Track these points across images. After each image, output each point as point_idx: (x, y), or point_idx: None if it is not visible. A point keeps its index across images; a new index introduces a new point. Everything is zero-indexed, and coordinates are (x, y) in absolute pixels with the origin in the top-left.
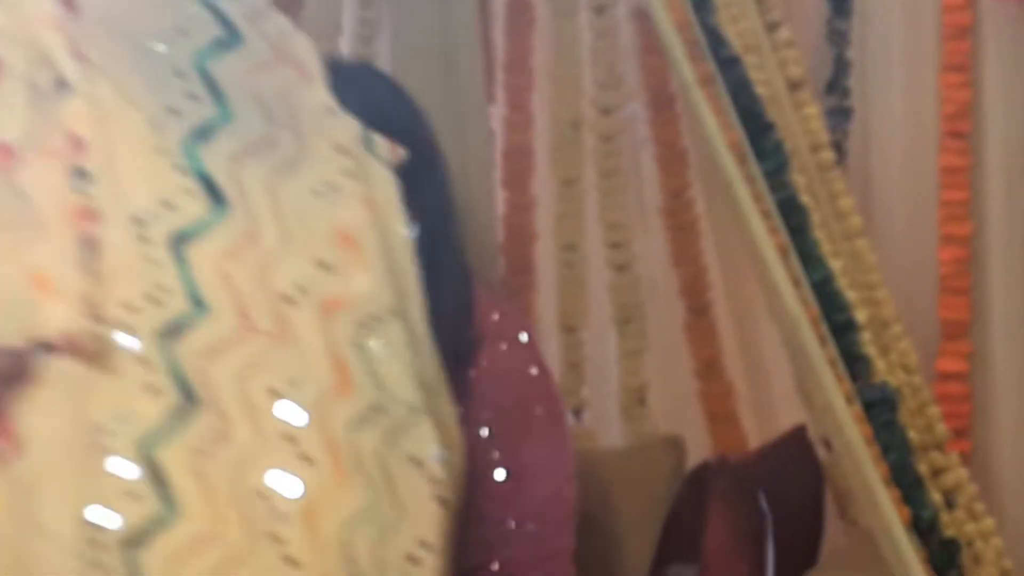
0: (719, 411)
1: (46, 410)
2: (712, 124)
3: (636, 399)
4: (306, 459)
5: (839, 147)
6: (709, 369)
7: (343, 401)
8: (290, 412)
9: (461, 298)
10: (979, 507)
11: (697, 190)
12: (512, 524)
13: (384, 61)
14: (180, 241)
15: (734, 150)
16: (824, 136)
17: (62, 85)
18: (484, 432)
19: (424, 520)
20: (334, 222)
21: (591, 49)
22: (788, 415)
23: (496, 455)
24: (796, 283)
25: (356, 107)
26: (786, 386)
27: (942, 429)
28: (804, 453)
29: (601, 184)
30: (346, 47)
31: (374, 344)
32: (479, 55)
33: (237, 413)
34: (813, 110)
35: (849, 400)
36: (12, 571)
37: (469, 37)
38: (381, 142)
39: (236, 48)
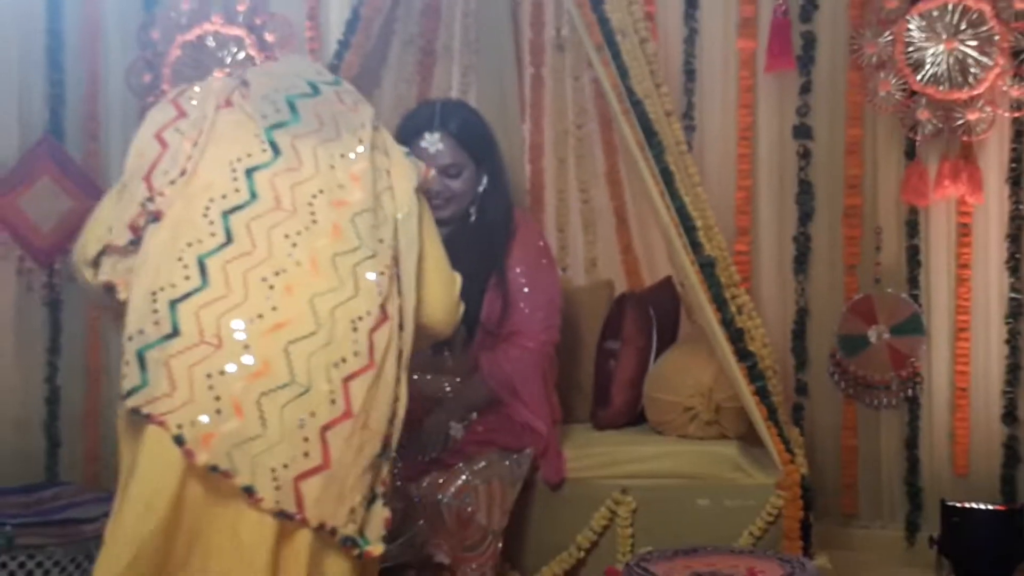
0: (631, 269)
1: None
2: (628, 133)
3: (592, 264)
4: (297, 263)
5: (689, 144)
6: (626, 253)
7: (333, 242)
8: (295, 248)
9: (507, 209)
10: (756, 315)
11: (622, 164)
12: (528, 311)
13: (473, 101)
14: (251, 170)
15: (638, 145)
16: (682, 137)
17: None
18: (518, 270)
19: (366, 302)
20: (349, 169)
21: (572, 96)
22: (665, 270)
23: (523, 280)
24: (667, 208)
25: (459, 120)
26: (665, 259)
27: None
28: (671, 289)
29: (576, 162)
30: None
31: (358, 221)
32: (516, 97)
33: (260, 245)
34: (677, 125)
35: (692, 263)
36: None
37: (512, 88)
38: (419, 163)
39: (314, 96)
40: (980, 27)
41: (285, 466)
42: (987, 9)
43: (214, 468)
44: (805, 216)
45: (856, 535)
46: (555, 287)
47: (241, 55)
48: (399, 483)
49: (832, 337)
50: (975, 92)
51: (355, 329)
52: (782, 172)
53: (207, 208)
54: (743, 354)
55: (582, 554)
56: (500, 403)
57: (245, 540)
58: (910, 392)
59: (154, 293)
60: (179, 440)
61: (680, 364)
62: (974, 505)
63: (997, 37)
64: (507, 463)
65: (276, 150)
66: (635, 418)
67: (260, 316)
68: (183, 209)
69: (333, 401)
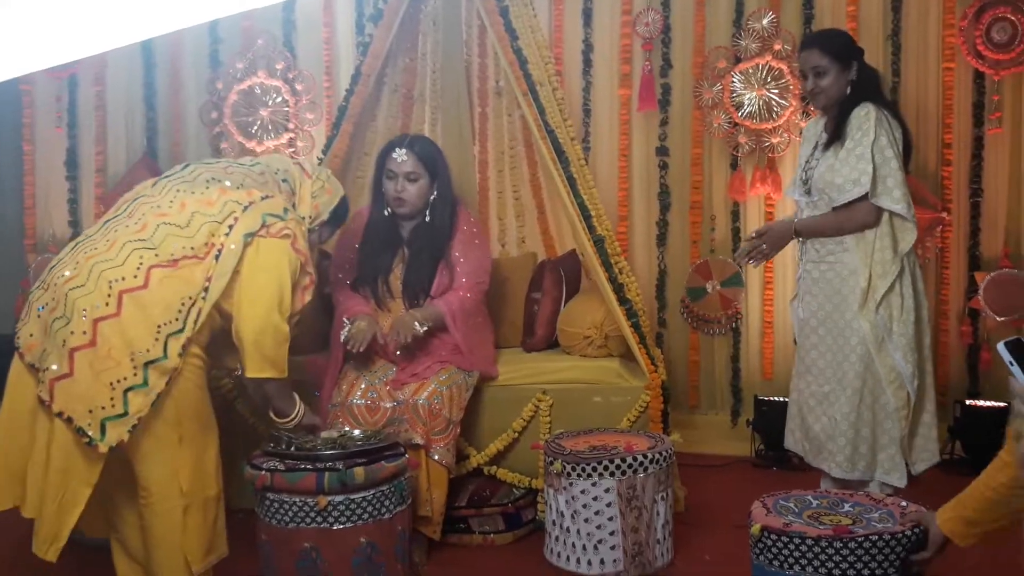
0: (548, 244)
1: None
2: (545, 152)
3: (522, 241)
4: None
5: (586, 159)
6: (545, 234)
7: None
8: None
9: (452, 214)
10: (631, 275)
11: (541, 174)
12: (461, 273)
13: (439, 130)
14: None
15: (550, 155)
16: (582, 155)
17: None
18: (457, 247)
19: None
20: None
21: (507, 127)
22: (570, 245)
23: (458, 254)
24: (572, 203)
25: (420, 145)
26: (571, 237)
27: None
28: (575, 258)
29: (510, 172)
30: (426, 127)
31: (161, 228)
32: (469, 127)
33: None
34: (578, 147)
35: (588, 240)
36: None
37: (466, 121)
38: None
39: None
40: (780, 80)
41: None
42: (785, 68)
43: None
44: (664, 208)
45: (698, 419)
46: (484, 258)
47: (279, 99)
48: (393, 391)
49: (682, 289)
50: (777, 123)
51: (110, 286)
52: (648, 179)
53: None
54: (622, 300)
55: (516, 435)
56: (447, 332)
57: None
58: (734, 325)
59: None
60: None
61: (581, 307)
62: (776, 398)
63: (791, 87)
64: (462, 376)
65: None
66: (551, 344)
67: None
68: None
69: (84, 332)
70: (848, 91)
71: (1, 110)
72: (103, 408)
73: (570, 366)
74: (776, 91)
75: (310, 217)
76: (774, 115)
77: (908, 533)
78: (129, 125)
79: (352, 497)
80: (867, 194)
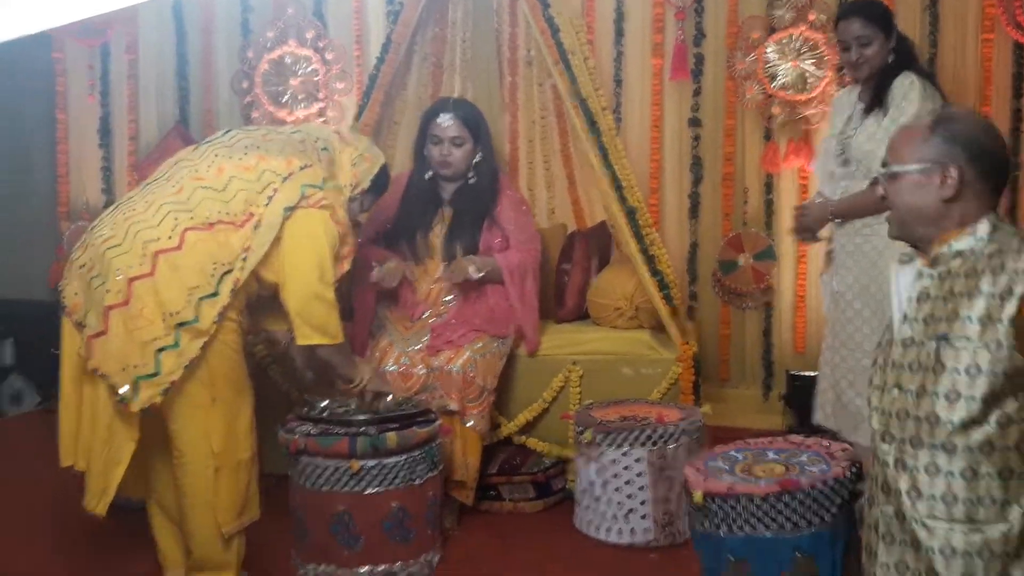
0: (579, 215)
1: None
2: (577, 122)
3: (552, 212)
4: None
5: (617, 130)
6: (575, 205)
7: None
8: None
9: (495, 175)
10: (662, 247)
11: (572, 144)
12: (525, 237)
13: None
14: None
15: (582, 125)
16: (613, 125)
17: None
18: (507, 218)
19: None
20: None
21: (537, 97)
22: (601, 216)
23: (511, 225)
24: (603, 173)
25: (464, 109)
26: (601, 208)
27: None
28: (605, 229)
29: (540, 143)
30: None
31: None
32: (499, 98)
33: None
34: (610, 117)
35: (620, 211)
36: None
37: (496, 92)
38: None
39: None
40: (815, 50)
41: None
42: (820, 38)
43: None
44: (696, 180)
45: (729, 393)
46: (532, 226)
47: (309, 69)
48: (427, 358)
49: (714, 261)
50: (812, 95)
51: (144, 247)
52: (681, 150)
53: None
54: (654, 272)
55: (547, 405)
56: (489, 293)
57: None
58: (766, 298)
59: None
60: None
61: (612, 279)
62: (807, 372)
63: (827, 57)
64: (496, 344)
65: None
66: (581, 315)
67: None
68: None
69: (119, 291)
70: (889, 60)
71: (34, 79)
72: (135, 367)
73: (600, 337)
74: (811, 62)
75: (350, 186)
76: (808, 86)
77: (849, 474)
78: (161, 94)
79: (384, 462)
80: None
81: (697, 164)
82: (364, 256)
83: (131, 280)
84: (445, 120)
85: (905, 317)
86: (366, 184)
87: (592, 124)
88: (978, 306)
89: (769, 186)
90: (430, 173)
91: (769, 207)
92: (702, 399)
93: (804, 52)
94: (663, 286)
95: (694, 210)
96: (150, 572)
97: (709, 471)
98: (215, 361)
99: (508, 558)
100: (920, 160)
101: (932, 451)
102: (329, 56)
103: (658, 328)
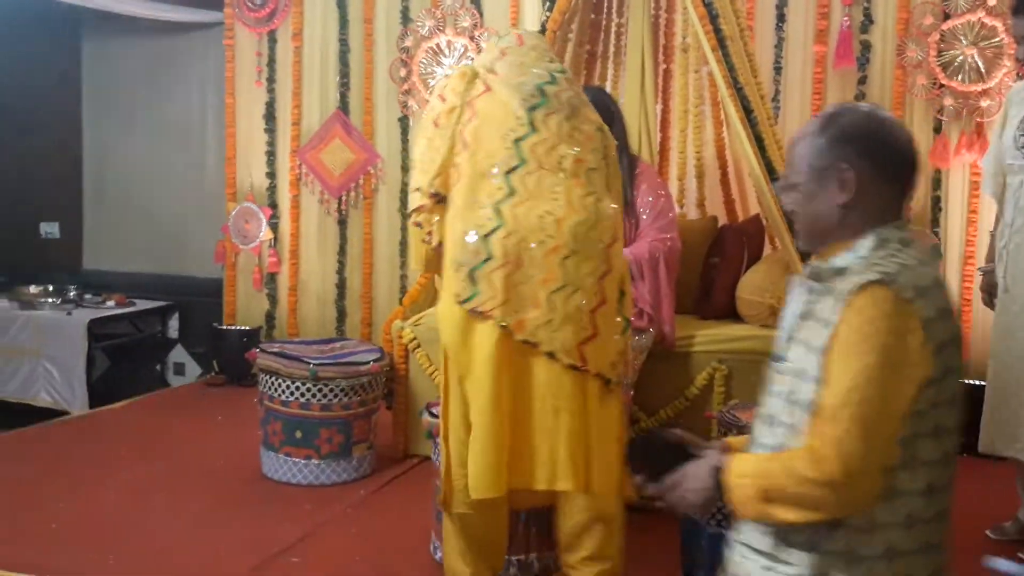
0: (730, 208)
1: None
2: (733, 110)
3: (701, 204)
4: (556, 202)
5: (776, 119)
6: (727, 197)
7: (578, 190)
8: (555, 192)
9: (631, 160)
10: None
11: (725, 134)
12: (661, 224)
13: (620, 89)
14: (518, 140)
15: (738, 114)
16: (772, 114)
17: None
18: (642, 201)
19: (608, 227)
20: (585, 134)
21: (692, 84)
22: (754, 209)
23: (647, 209)
24: (759, 164)
25: (593, 95)
26: (755, 201)
27: None
28: (758, 223)
29: (692, 132)
30: (608, 84)
31: (592, 175)
32: (652, 85)
33: (532, 192)
34: (768, 105)
35: (775, 204)
36: None
37: (650, 79)
38: (607, 131)
39: (553, 84)
40: (993, 38)
41: (570, 337)
42: (999, 25)
43: (526, 342)
44: None
45: None
46: (669, 210)
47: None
48: None
49: None
50: (988, 86)
51: (600, 245)
52: None
53: (493, 170)
54: None
55: (688, 403)
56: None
57: (542, 381)
58: None
59: (466, 233)
60: (503, 326)
61: (764, 275)
62: (975, 381)
63: (1006, 46)
64: (637, 338)
65: (533, 126)
66: (729, 312)
67: (541, 242)
68: (473, 172)
69: (596, 294)
70: None
71: (206, 64)
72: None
73: (749, 335)
74: (988, 51)
75: None
76: (984, 76)
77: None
78: (323, 80)
79: None
80: None
81: None
82: None
83: (600, 279)
84: None
85: (789, 336)
86: None
87: (749, 112)
88: (808, 330)
89: (937, 182)
90: None
91: (936, 203)
92: None
93: (980, 40)
94: None
95: None
96: None
97: None
98: None
99: (645, 557)
100: (811, 166)
101: None
102: (484, 45)
103: None
